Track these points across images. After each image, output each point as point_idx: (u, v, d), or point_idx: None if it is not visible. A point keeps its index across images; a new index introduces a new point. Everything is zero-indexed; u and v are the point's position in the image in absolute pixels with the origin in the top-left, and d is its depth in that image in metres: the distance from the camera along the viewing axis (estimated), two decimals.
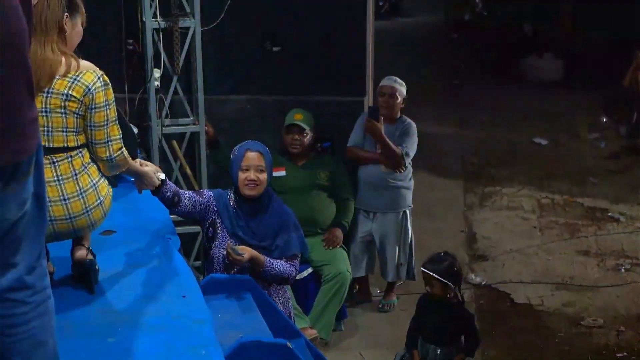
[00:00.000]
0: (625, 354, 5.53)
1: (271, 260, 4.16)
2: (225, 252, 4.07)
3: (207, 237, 4.24)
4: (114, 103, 3.25)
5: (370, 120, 5.68)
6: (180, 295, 3.41)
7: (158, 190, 3.93)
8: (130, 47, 5.60)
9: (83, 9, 3.28)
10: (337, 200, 5.79)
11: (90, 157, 3.25)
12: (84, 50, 3.73)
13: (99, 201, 3.22)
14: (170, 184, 4.04)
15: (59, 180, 3.14)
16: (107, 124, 3.20)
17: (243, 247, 4.08)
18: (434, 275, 4.42)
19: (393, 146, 5.69)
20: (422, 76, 11.07)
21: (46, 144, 3.08)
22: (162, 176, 3.83)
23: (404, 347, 4.71)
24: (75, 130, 3.16)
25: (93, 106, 3.16)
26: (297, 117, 5.68)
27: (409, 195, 5.92)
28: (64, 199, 3.14)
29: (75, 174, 3.17)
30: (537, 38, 12.54)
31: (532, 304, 6.15)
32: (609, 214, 7.69)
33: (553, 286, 6.39)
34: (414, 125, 5.84)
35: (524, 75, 12.04)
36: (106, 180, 3.32)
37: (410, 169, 5.88)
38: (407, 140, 5.77)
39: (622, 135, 9.80)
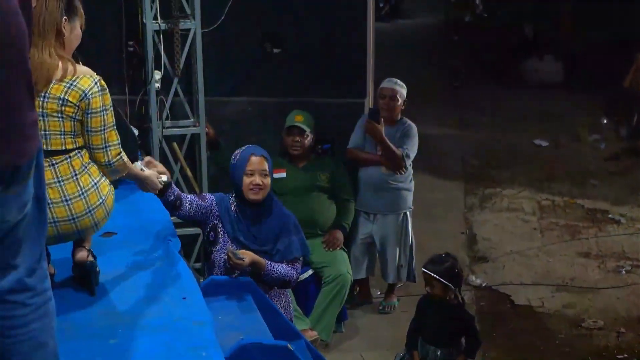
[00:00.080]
0: (625, 355, 5.53)
1: (272, 264, 4.15)
2: (226, 257, 4.07)
3: (209, 241, 4.23)
4: (112, 108, 3.24)
5: (370, 122, 5.69)
6: (181, 297, 3.42)
7: (162, 193, 3.92)
8: (131, 49, 5.61)
9: (82, 12, 3.27)
10: (338, 201, 5.80)
11: (90, 157, 3.25)
12: (85, 52, 3.74)
13: (101, 200, 3.22)
14: (174, 187, 4.04)
15: (59, 181, 3.14)
16: (104, 129, 3.19)
17: (244, 251, 4.07)
18: (434, 276, 4.43)
19: (393, 148, 5.70)
20: (422, 78, 11.06)
21: (44, 147, 3.07)
22: (164, 178, 3.82)
23: (404, 348, 4.71)
24: (73, 133, 3.16)
25: (90, 111, 3.15)
26: (297, 118, 5.68)
27: (409, 197, 5.93)
28: (66, 200, 3.14)
29: (76, 174, 3.17)
30: (537, 40, 12.53)
31: (533, 305, 6.15)
32: (610, 215, 7.69)
33: (553, 288, 6.39)
34: (414, 127, 5.84)
35: (524, 77, 12.03)
36: (107, 180, 3.31)
37: (410, 170, 5.88)
38: (408, 142, 5.77)
39: (623, 137, 9.79)
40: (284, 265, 4.20)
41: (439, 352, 4.54)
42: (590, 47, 11.90)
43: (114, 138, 3.24)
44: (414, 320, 4.70)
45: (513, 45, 12.63)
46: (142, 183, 3.68)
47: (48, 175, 3.06)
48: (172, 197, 4.00)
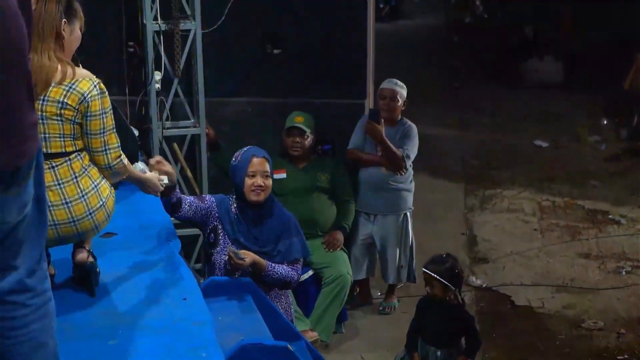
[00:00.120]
0: (625, 356, 5.53)
1: (273, 265, 4.15)
2: (227, 257, 4.07)
3: (209, 243, 4.23)
4: (111, 111, 3.23)
5: (371, 123, 5.69)
6: (181, 298, 3.42)
7: (167, 194, 3.92)
8: (131, 50, 5.61)
9: (81, 14, 3.26)
10: (338, 202, 5.80)
11: (90, 160, 3.25)
12: (85, 53, 3.74)
13: (101, 203, 3.22)
14: (177, 190, 4.05)
15: (59, 184, 3.14)
16: (103, 132, 3.19)
17: (245, 251, 4.07)
18: (435, 276, 4.43)
19: (394, 148, 5.70)
20: (422, 78, 11.06)
21: (44, 149, 3.06)
22: (166, 180, 3.81)
23: (404, 349, 4.71)
24: (72, 136, 3.16)
25: (89, 114, 3.15)
26: (297, 119, 5.68)
27: (409, 198, 5.93)
28: (66, 203, 3.14)
29: (76, 177, 3.17)
30: (537, 40, 12.54)
31: (533, 306, 6.14)
32: (610, 216, 7.69)
33: (553, 288, 6.39)
34: (414, 127, 5.85)
35: (524, 77, 12.03)
36: (108, 182, 3.31)
37: (410, 171, 5.89)
38: (408, 143, 5.78)
39: (623, 138, 9.78)
40: (284, 266, 4.20)
41: (439, 353, 4.54)
42: (590, 47, 11.90)
43: (114, 141, 3.24)
44: (414, 321, 4.70)
45: (513, 46, 12.64)
46: (143, 185, 3.67)
47: (48, 177, 3.06)
48: (174, 199, 4.00)
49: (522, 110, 10.84)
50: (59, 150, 3.15)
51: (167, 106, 5.62)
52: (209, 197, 4.27)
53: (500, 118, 10.64)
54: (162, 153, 5.61)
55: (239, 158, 4.23)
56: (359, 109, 5.98)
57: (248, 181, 4.15)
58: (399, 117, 5.86)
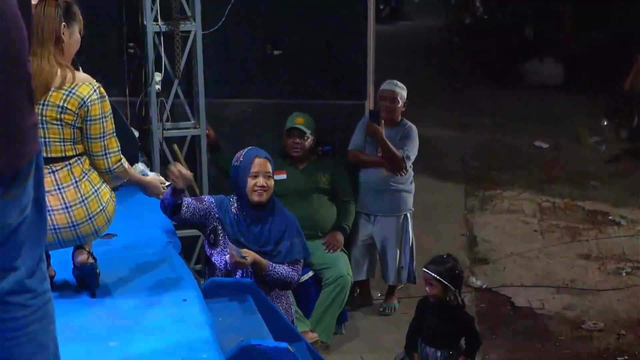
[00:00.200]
0: (625, 357, 5.52)
1: (273, 265, 4.16)
2: (227, 258, 4.06)
3: (209, 244, 4.23)
4: (111, 115, 3.23)
5: (371, 124, 5.69)
6: (181, 299, 3.42)
7: (177, 195, 3.93)
8: (132, 51, 5.61)
9: (80, 17, 3.26)
10: (338, 203, 5.80)
11: (91, 164, 3.25)
12: (85, 54, 3.74)
13: (101, 207, 3.22)
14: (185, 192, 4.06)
15: (59, 188, 3.13)
16: (104, 137, 3.19)
17: (246, 250, 4.07)
18: (435, 276, 4.43)
19: (394, 149, 5.70)
20: (422, 79, 11.06)
21: (44, 154, 3.06)
22: (167, 182, 3.82)
23: (403, 350, 4.71)
24: (72, 140, 3.16)
25: (89, 118, 3.15)
26: (298, 120, 5.68)
27: (409, 199, 5.93)
28: (66, 207, 3.14)
29: (76, 182, 3.17)
30: (537, 41, 12.54)
31: (533, 307, 6.14)
32: (610, 217, 7.69)
33: (554, 290, 6.39)
34: (414, 128, 5.85)
35: (524, 78, 12.04)
36: (108, 186, 3.31)
37: (411, 172, 5.89)
38: (408, 144, 5.78)
39: (623, 139, 9.79)
40: (285, 267, 4.20)
41: (439, 354, 4.54)
42: (590, 47, 11.90)
43: (114, 145, 3.24)
44: (413, 322, 4.70)
45: (513, 47, 12.65)
46: (145, 188, 3.67)
47: (48, 182, 3.06)
48: (179, 201, 4.01)
49: (522, 111, 10.85)
50: (59, 155, 3.15)
51: (168, 107, 5.62)
52: (207, 198, 4.27)
53: (500, 119, 10.65)
54: (162, 154, 5.61)
55: (241, 158, 4.23)
56: (359, 110, 5.98)
57: (250, 181, 4.15)
58: (399, 118, 5.86)
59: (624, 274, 6.62)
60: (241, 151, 4.29)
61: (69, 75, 3.13)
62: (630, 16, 11.63)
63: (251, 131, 5.81)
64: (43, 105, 3.09)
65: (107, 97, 3.22)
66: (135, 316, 3.27)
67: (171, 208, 4.01)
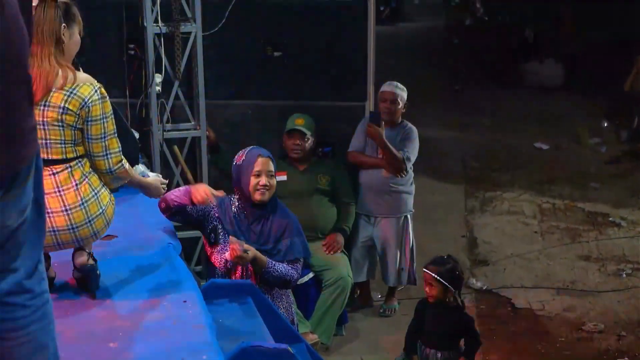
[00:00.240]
0: (626, 359, 5.52)
1: (273, 262, 4.16)
2: (227, 255, 4.06)
3: (209, 243, 4.23)
4: (112, 116, 3.23)
5: (371, 125, 5.69)
6: (181, 300, 3.41)
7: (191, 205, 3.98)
8: (132, 52, 5.61)
9: (80, 18, 3.26)
10: (338, 204, 5.80)
11: (91, 167, 3.24)
12: (86, 56, 3.74)
13: (101, 210, 3.22)
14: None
15: (59, 191, 3.13)
16: (104, 137, 3.19)
17: (247, 245, 4.07)
18: (435, 276, 4.43)
19: (394, 151, 5.70)
20: (423, 80, 11.07)
21: (45, 156, 3.06)
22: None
23: (403, 352, 4.71)
24: (73, 142, 3.15)
25: (90, 119, 3.14)
26: (298, 121, 5.69)
27: (410, 200, 5.93)
28: (66, 210, 3.13)
29: (76, 184, 3.16)
30: (537, 42, 12.55)
31: (533, 308, 6.14)
32: (610, 218, 7.69)
33: (554, 291, 6.39)
34: (415, 130, 5.85)
35: (524, 79, 12.04)
36: (108, 189, 3.31)
37: (411, 173, 5.89)
38: (409, 145, 5.78)
39: (623, 140, 9.79)
40: (284, 265, 4.20)
41: (438, 355, 4.54)
42: (590, 47, 11.90)
43: (115, 146, 3.23)
44: (413, 323, 4.70)
45: (513, 47, 12.65)
46: (146, 190, 3.67)
47: (48, 184, 3.05)
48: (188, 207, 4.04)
49: (522, 112, 10.85)
50: (59, 157, 3.14)
51: (168, 108, 5.62)
52: None
53: (500, 120, 10.65)
54: (163, 155, 5.62)
55: (243, 157, 4.23)
56: (359, 111, 5.98)
57: (253, 180, 4.15)
58: (400, 119, 5.86)
59: (624, 275, 6.63)
60: (243, 150, 4.29)
61: (70, 75, 3.13)
62: (630, 16, 11.63)
63: (251, 133, 5.81)
64: (44, 106, 3.09)
65: (107, 97, 3.21)
66: (135, 317, 3.27)
67: (167, 211, 4.02)
